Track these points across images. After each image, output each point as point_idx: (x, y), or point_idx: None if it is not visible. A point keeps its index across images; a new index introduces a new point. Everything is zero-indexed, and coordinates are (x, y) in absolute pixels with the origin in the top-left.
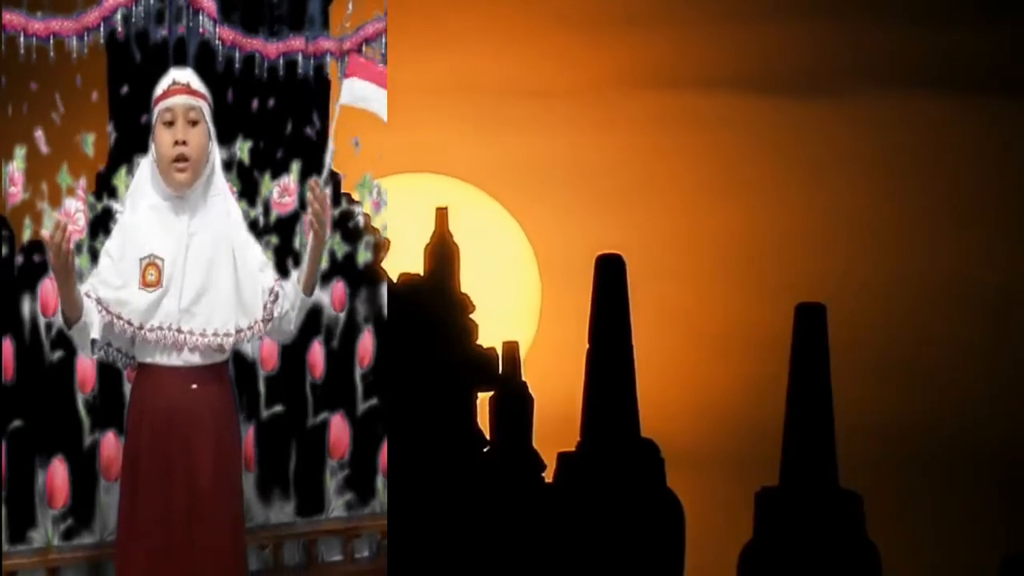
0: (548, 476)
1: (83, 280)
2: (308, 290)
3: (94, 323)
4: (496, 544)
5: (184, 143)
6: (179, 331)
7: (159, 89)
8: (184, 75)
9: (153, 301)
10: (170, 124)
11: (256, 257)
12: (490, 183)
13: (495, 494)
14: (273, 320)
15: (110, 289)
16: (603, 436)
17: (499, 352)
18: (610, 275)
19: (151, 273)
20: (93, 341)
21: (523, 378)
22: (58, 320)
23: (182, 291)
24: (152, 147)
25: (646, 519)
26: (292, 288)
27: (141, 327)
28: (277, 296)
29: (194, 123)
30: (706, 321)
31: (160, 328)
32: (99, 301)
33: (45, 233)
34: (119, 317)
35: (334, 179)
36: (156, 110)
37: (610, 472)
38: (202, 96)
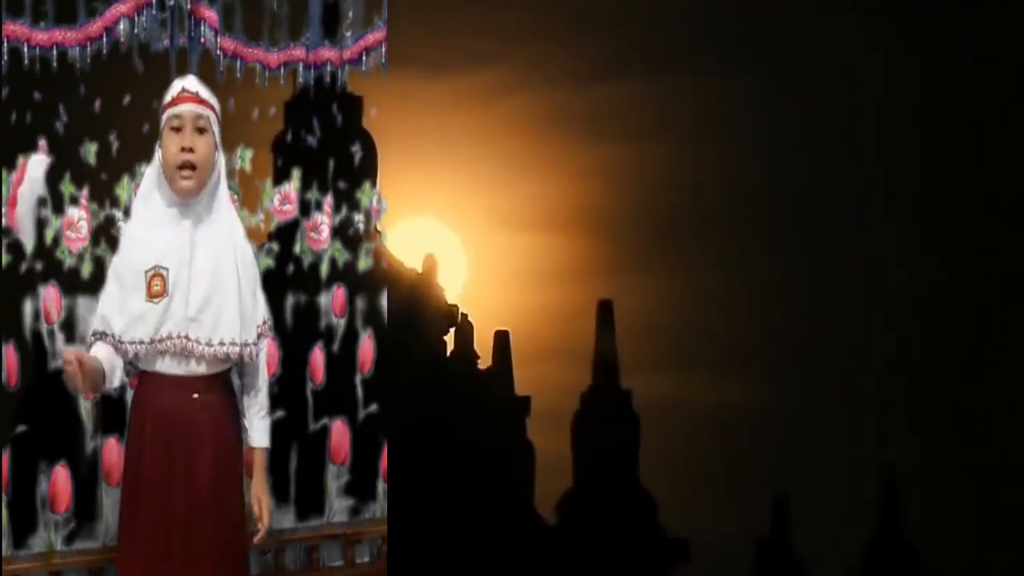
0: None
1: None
2: None
3: (117, 370)
4: (495, 549)
5: (191, 150)
6: (187, 339)
7: (168, 96)
8: (193, 84)
9: (160, 312)
10: (177, 131)
11: (255, 279)
12: None
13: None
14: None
15: (120, 320)
16: None
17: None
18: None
19: (156, 283)
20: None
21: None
22: (60, 327)
23: (188, 300)
24: (158, 154)
25: None
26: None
27: (152, 341)
28: (269, 326)
29: (201, 132)
30: None
31: (169, 338)
32: (112, 337)
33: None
34: (131, 343)
35: (335, 187)
36: (164, 117)
37: None
38: (210, 106)
